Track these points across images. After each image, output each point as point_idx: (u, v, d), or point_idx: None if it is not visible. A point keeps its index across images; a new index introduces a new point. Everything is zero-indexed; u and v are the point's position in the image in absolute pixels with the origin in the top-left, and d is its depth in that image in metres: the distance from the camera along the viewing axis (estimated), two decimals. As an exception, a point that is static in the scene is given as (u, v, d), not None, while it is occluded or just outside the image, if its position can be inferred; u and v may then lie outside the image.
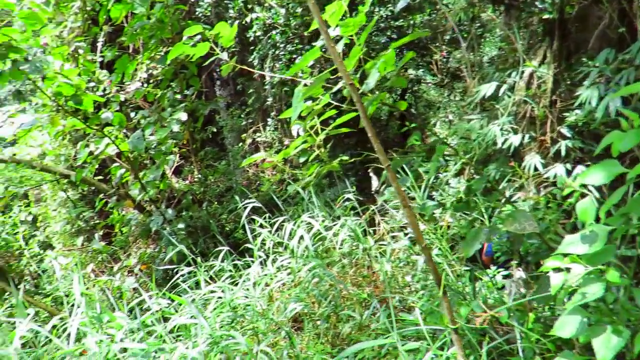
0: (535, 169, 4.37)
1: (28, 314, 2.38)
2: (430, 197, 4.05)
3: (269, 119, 6.76)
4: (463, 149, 4.55)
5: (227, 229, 5.49)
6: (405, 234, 3.93)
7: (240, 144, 6.90)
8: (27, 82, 3.64)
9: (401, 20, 5.82)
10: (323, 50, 2.14)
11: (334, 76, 2.19)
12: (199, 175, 5.72)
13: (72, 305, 3.36)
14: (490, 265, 3.60)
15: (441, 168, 4.15)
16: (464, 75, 7.64)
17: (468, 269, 3.15)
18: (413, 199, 4.00)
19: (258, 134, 6.86)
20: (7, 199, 4.96)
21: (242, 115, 6.88)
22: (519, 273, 3.26)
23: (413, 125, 5.58)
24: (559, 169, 4.24)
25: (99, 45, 5.20)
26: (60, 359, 2.48)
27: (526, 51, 4.84)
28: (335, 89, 2.22)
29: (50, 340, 2.50)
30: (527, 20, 4.96)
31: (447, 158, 3.42)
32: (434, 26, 7.25)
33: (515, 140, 4.34)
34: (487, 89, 4.34)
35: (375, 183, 5.89)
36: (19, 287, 4.57)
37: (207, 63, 2.25)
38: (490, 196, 3.04)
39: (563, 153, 4.22)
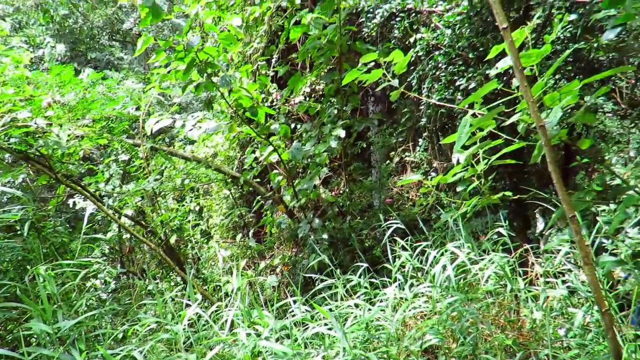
0: None
1: (197, 299, 2.71)
2: (600, 247, 3.55)
3: (419, 139, 6.68)
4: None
5: (366, 245, 5.55)
6: (563, 282, 3.52)
7: (388, 161, 6.94)
8: (214, 92, 4.17)
9: (582, 42, 5.24)
10: (500, 82, 2.04)
11: (507, 110, 2.07)
12: (346, 189, 5.92)
13: (225, 294, 3.74)
14: None
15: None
16: (655, 107, 6.56)
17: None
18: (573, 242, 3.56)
19: (407, 154, 6.83)
20: (186, 191, 5.78)
21: (394, 134, 6.91)
22: None
23: (585, 160, 4.96)
24: None
25: (273, 61, 5.74)
26: (214, 343, 2.77)
27: None
28: (507, 122, 2.09)
29: (209, 324, 2.81)
30: None
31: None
32: (621, 48, 6.39)
33: None
34: (690, 127, 3.65)
35: (540, 225, 5.37)
36: (184, 268, 5.26)
37: (381, 86, 2.31)
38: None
39: None
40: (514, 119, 2.03)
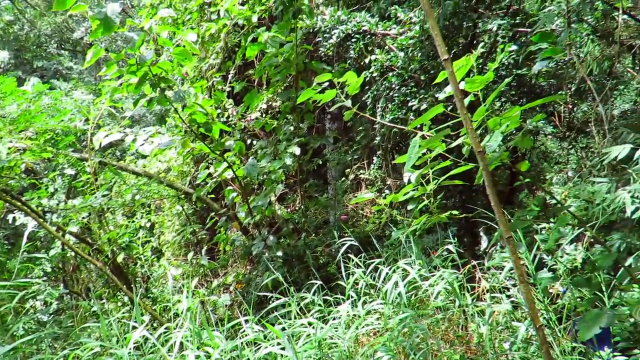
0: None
1: (144, 321, 2.61)
2: (540, 262, 3.73)
3: (374, 157, 6.82)
4: (583, 213, 4.15)
5: (321, 261, 5.57)
6: (508, 297, 3.67)
7: (343, 178, 7.03)
8: (168, 106, 4.11)
9: (525, 68, 5.57)
10: (445, 105, 2.14)
11: (454, 132, 2.17)
12: (301, 206, 5.93)
13: (175, 315, 3.61)
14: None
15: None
16: (590, 130, 7.03)
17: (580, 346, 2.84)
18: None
19: (362, 171, 6.95)
20: (136, 206, 5.60)
21: (349, 152, 7.03)
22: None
23: (527, 180, 5.23)
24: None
25: (229, 76, 5.72)
26: (162, 366, 2.67)
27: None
28: (453, 144, 2.19)
29: (156, 347, 2.71)
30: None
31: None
32: (560, 75, 6.83)
33: (649, 211, 3.84)
34: (620, 151, 3.93)
35: (484, 244, 5.58)
36: (132, 287, 5.06)
37: (335, 106, 2.36)
38: (612, 272, 2.73)
39: None
40: (458, 141, 2.12)
